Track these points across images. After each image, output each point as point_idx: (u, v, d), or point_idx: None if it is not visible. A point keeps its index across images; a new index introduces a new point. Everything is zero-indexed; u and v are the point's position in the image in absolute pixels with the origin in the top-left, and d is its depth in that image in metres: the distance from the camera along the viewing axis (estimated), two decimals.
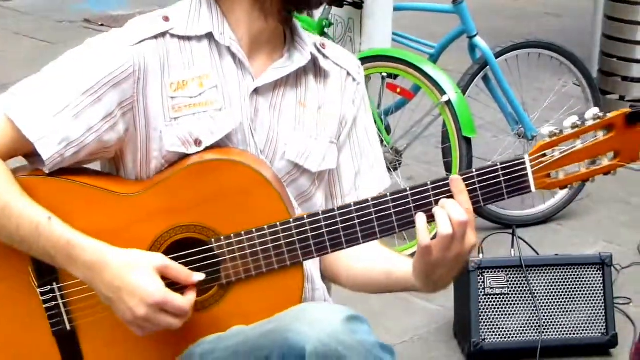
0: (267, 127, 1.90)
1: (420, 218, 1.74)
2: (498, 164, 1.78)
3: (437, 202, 1.77)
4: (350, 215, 1.77)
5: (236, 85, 1.87)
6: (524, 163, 1.77)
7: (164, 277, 1.74)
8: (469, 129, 3.99)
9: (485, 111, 4.92)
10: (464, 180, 1.76)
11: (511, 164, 1.77)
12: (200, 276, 1.77)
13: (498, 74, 4.32)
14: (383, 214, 1.77)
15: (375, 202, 1.77)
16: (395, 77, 4.30)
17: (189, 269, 1.78)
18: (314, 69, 1.96)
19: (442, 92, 4.02)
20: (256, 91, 1.88)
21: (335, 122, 1.97)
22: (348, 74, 2.00)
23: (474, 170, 1.78)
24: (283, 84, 1.91)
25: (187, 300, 1.74)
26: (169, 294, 1.72)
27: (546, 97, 4.80)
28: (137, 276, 1.71)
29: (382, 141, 4.18)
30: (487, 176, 1.77)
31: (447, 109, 4.02)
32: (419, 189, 1.77)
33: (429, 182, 1.77)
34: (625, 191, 4.70)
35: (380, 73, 4.27)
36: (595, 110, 1.78)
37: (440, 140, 4.23)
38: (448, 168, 4.14)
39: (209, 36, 1.86)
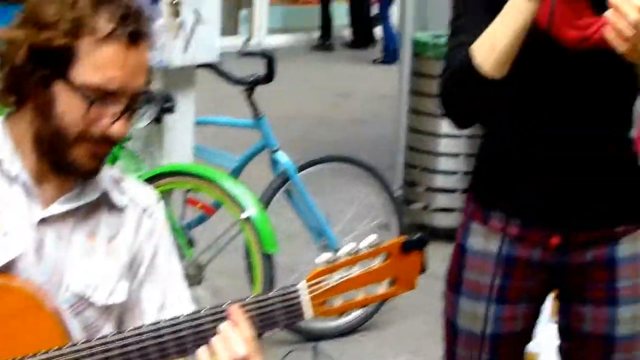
0: (54, 258, 1.84)
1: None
2: (275, 291, 1.74)
3: (215, 329, 1.71)
4: (140, 338, 1.72)
5: (20, 213, 1.82)
6: (298, 290, 1.74)
7: None
8: (270, 245, 3.97)
9: (291, 222, 4.93)
10: (243, 307, 1.72)
11: (287, 291, 1.74)
12: None
13: (300, 188, 4.35)
14: (162, 340, 1.72)
15: (152, 328, 1.72)
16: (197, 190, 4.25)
17: None
18: (107, 203, 1.91)
19: (243, 208, 3.99)
20: (44, 221, 1.83)
21: (127, 257, 1.93)
22: (144, 210, 1.96)
23: (251, 298, 1.74)
24: (73, 216, 1.87)
25: None
26: None
27: (350, 208, 4.85)
28: None
29: (183, 256, 4.10)
30: (264, 304, 1.73)
31: (247, 225, 3.99)
32: (194, 318, 1.72)
33: (203, 311, 1.72)
34: (428, 302, 4.75)
35: (181, 188, 4.22)
36: (371, 238, 1.78)
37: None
38: (252, 282, 4.10)
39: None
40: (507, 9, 1.97)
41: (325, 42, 12.94)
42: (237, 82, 4.37)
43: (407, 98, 5.94)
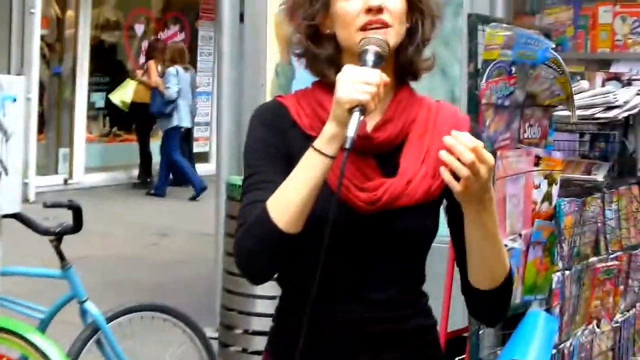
0: None
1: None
2: None
3: None
4: None
5: None
6: None
7: None
8: None
9: None
10: None
11: None
12: None
13: (110, 338, 4.25)
14: None
15: None
16: None
17: None
18: None
19: None
20: None
21: None
22: None
23: None
24: None
25: None
26: None
27: (164, 357, 4.76)
28: None
29: None
30: None
31: None
32: None
33: None
34: None
35: None
36: None
37: None
38: None
39: None
40: (301, 164, 2.00)
41: (145, 180, 12.90)
42: (44, 232, 4.28)
43: (223, 240, 5.95)
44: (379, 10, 2.05)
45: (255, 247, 2.03)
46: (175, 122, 12.13)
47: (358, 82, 1.93)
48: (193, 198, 12.03)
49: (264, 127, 2.14)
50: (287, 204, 1.99)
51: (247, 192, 2.11)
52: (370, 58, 1.99)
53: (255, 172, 2.11)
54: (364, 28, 2.05)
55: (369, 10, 2.05)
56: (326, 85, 2.13)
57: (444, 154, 1.90)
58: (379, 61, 2.00)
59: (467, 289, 2.14)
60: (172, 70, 12.09)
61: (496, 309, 2.17)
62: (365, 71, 1.96)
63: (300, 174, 1.99)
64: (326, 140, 1.97)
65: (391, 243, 2.10)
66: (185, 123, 12.24)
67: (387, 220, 2.07)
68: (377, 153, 2.10)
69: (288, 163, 2.06)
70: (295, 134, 2.12)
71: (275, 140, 2.12)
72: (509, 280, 2.12)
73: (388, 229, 2.08)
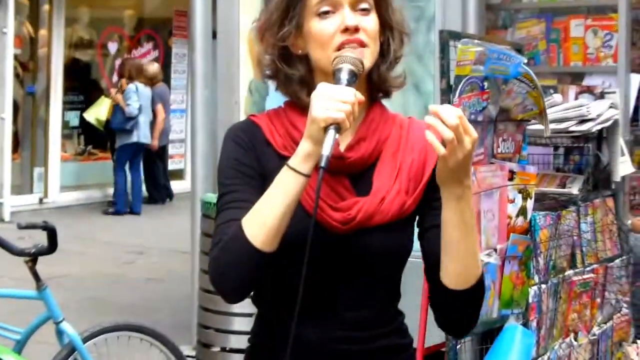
0: None
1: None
2: None
3: None
4: None
5: None
6: None
7: None
8: None
9: None
10: None
11: None
12: None
13: (86, 359, 4.23)
14: None
15: None
16: None
17: None
18: None
19: None
20: None
21: None
22: None
23: None
24: None
25: None
26: None
27: None
28: None
29: None
30: None
31: None
32: None
33: None
34: None
35: None
36: None
37: None
38: None
39: None
40: (276, 182, 2.00)
41: None
42: (19, 253, 4.26)
43: (198, 258, 5.93)
44: (356, 29, 2.06)
45: (230, 265, 2.02)
46: (134, 138, 12.13)
47: (333, 100, 1.93)
48: (110, 213, 12.12)
49: (238, 146, 2.13)
50: (262, 222, 1.98)
51: (221, 211, 2.10)
52: (344, 76, 2.00)
53: (229, 191, 2.11)
54: (339, 48, 2.06)
55: (345, 30, 2.06)
56: (298, 105, 2.13)
57: (429, 118, 1.91)
58: (354, 79, 2.00)
59: (438, 294, 2.12)
60: (132, 86, 12.11)
61: (466, 314, 2.14)
62: (340, 89, 1.96)
63: (275, 192, 1.99)
64: (301, 158, 1.97)
65: (366, 261, 2.09)
66: (144, 139, 12.21)
67: (361, 239, 2.07)
68: (351, 172, 2.10)
69: (262, 182, 2.06)
70: (269, 153, 2.12)
71: (249, 160, 2.12)
72: (481, 284, 2.11)
73: (363, 247, 2.07)
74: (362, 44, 2.06)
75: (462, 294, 2.08)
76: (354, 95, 1.95)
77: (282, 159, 2.03)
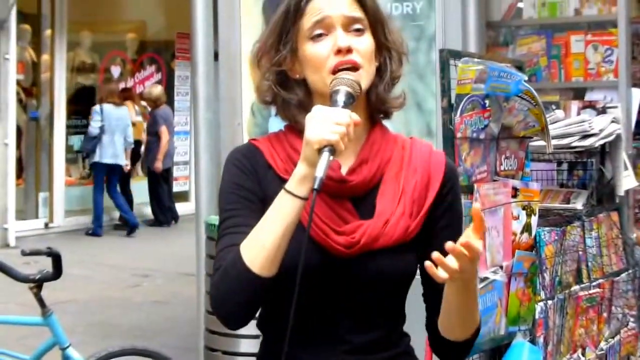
0: None
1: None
2: None
3: None
4: None
5: None
6: None
7: None
8: None
9: None
10: None
11: None
12: None
13: None
14: None
15: None
16: None
17: None
18: None
19: None
20: None
21: None
22: None
23: None
24: None
25: None
26: None
27: None
28: None
29: None
30: None
31: None
32: None
33: None
34: None
35: None
36: None
37: None
38: None
39: None
40: (273, 206, 1.99)
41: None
42: (24, 279, 4.26)
43: (204, 280, 5.92)
44: (348, 50, 2.05)
45: (229, 291, 2.01)
46: (96, 157, 12.23)
47: (327, 122, 1.92)
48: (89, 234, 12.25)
49: (239, 170, 2.13)
50: (260, 246, 1.97)
51: (222, 236, 2.09)
52: (341, 98, 1.99)
53: (230, 216, 2.10)
54: (334, 70, 2.05)
55: (338, 52, 2.05)
56: (298, 129, 2.12)
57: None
58: (350, 101, 1.99)
59: (435, 335, 2.15)
60: (96, 107, 12.30)
61: (461, 353, 2.18)
62: (335, 111, 1.95)
63: (272, 216, 1.98)
64: (297, 181, 1.97)
65: (370, 285, 2.08)
66: (109, 159, 12.24)
67: (366, 263, 2.05)
68: (353, 195, 2.09)
69: (263, 206, 2.05)
70: (270, 177, 2.11)
71: (250, 184, 2.11)
72: (477, 330, 2.13)
73: (367, 271, 2.06)
74: (356, 65, 2.05)
75: (458, 342, 2.12)
76: (349, 117, 1.94)
77: (283, 183, 2.02)
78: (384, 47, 2.13)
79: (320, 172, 1.91)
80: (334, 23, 2.07)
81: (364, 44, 2.08)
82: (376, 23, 2.12)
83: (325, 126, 1.92)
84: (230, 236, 2.06)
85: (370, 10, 2.12)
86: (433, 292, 2.12)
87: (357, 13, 2.09)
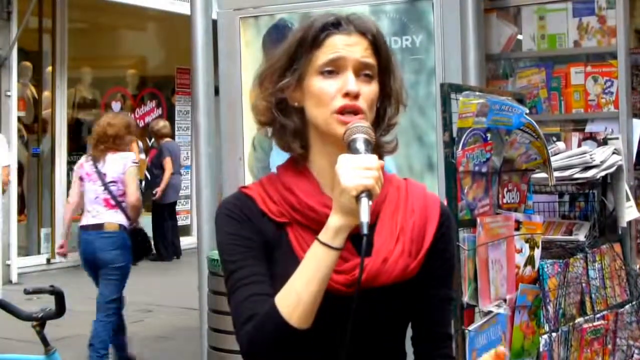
0: None
1: None
2: None
3: None
4: None
5: None
6: None
7: None
8: None
9: None
10: None
11: None
12: None
13: None
14: None
15: None
16: None
17: None
18: None
19: None
20: None
21: None
22: None
23: None
24: None
25: None
26: None
27: None
28: None
29: None
30: None
31: None
32: None
33: None
34: None
35: None
36: None
37: None
38: None
39: None
40: (308, 258, 1.98)
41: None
42: (26, 318, 4.24)
43: (207, 316, 5.91)
44: (356, 96, 2.06)
45: (264, 344, 2.00)
46: None
47: (359, 168, 1.93)
48: None
49: (232, 219, 2.11)
50: (297, 300, 1.97)
51: (236, 289, 2.06)
52: (361, 146, 1.99)
53: (237, 268, 2.07)
54: (339, 111, 2.06)
55: (346, 95, 2.06)
56: (292, 168, 2.13)
57: None
58: (369, 147, 2.00)
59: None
60: None
61: None
62: (363, 157, 1.96)
63: (307, 269, 1.98)
64: (333, 232, 1.97)
65: (371, 322, 2.08)
66: None
67: (366, 301, 2.04)
68: (351, 235, 2.07)
69: (266, 251, 2.05)
70: (266, 223, 2.11)
71: (246, 231, 2.10)
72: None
73: (368, 309, 2.05)
74: (359, 111, 2.06)
75: None
76: (377, 161, 1.96)
77: (281, 227, 2.04)
78: (386, 94, 2.15)
79: (364, 217, 1.91)
80: (347, 65, 2.08)
81: (371, 91, 2.09)
82: (385, 70, 2.14)
83: (358, 172, 1.93)
84: (248, 287, 2.05)
85: (383, 58, 2.13)
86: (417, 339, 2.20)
87: (370, 60, 2.10)
